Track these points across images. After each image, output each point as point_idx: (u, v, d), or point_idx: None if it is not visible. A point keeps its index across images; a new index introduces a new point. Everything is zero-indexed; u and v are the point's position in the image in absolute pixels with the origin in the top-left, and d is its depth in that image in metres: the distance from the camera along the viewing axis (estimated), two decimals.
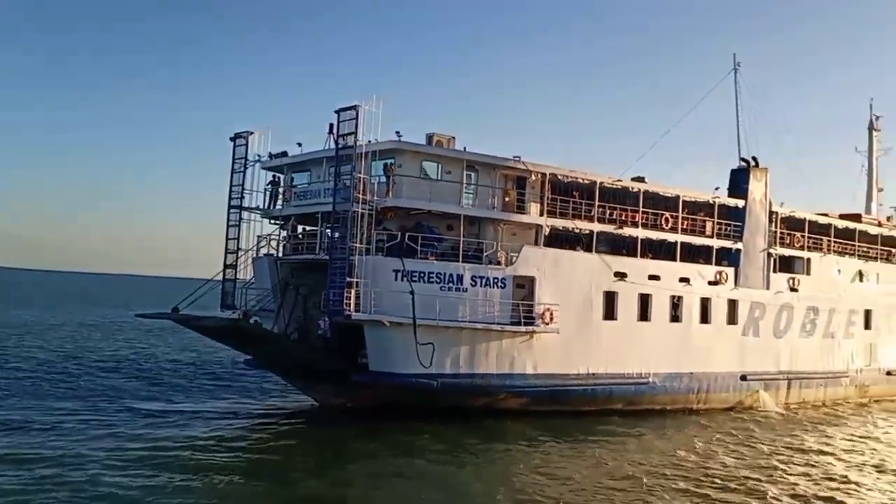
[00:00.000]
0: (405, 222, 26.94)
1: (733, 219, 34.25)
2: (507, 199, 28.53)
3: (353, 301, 24.82)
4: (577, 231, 29.73)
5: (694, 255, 32.99)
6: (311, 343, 27.46)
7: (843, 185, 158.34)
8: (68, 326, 63.11)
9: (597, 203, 30.07)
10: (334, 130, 26.47)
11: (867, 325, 39.44)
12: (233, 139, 30.35)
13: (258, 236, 30.65)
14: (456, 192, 27.51)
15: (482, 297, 26.55)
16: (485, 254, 27.37)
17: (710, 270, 32.97)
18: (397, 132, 26.70)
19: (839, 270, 38.48)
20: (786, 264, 36.27)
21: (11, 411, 25.29)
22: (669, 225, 32.03)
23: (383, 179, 26.67)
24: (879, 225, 42.41)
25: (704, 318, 32.63)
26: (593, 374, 29.08)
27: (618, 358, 29.73)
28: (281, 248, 30.76)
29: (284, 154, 30.23)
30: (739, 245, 34.06)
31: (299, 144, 29.79)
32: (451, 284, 26.16)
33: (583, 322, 28.91)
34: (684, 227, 32.63)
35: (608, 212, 30.55)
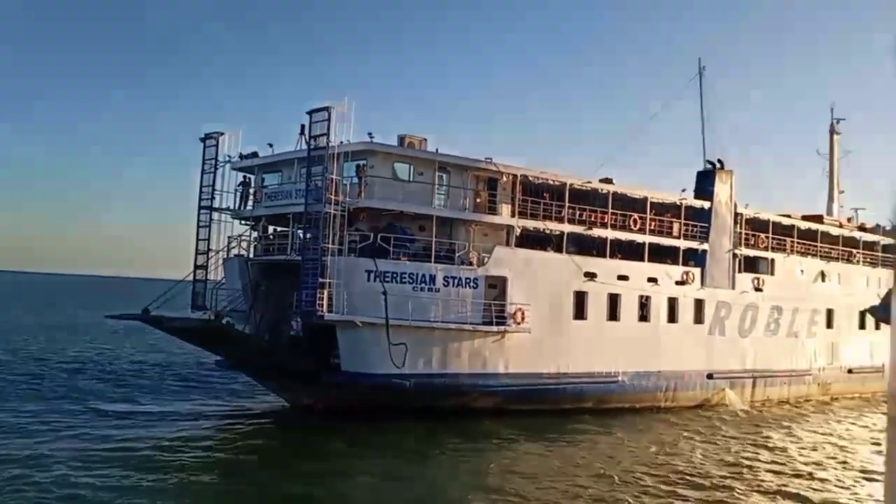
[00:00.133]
0: (377, 223, 26.99)
1: (699, 220, 34.77)
2: (478, 200, 28.72)
3: (325, 302, 24.80)
4: (548, 232, 30.01)
5: (661, 255, 33.42)
6: (283, 344, 27.37)
7: (804, 187, 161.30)
8: (30, 328, 61.92)
9: (567, 204, 30.39)
10: (306, 131, 26.45)
11: (829, 325, 40.16)
12: (203, 140, 30.14)
13: (229, 237, 30.52)
14: (428, 193, 27.65)
15: (454, 297, 26.68)
16: (457, 254, 27.51)
17: (677, 271, 33.43)
18: (369, 133, 26.90)
19: (802, 271, 39.24)
20: (750, 265, 36.88)
21: None
22: (637, 226, 32.46)
23: (355, 180, 26.69)
24: (840, 226, 43.30)
25: (672, 317, 33.09)
26: (564, 374, 29.35)
27: (588, 357, 30.04)
28: (252, 249, 30.63)
29: (255, 155, 30.13)
30: (706, 246, 34.60)
31: (270, 145, 29.83)
32: (423, 285, 26.27)
33: (554, 322, 29.17)
34: (652, 227, 33.06)
35: (578, 213, 30.90)
